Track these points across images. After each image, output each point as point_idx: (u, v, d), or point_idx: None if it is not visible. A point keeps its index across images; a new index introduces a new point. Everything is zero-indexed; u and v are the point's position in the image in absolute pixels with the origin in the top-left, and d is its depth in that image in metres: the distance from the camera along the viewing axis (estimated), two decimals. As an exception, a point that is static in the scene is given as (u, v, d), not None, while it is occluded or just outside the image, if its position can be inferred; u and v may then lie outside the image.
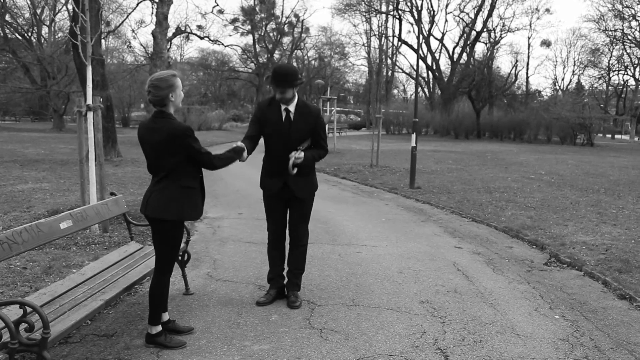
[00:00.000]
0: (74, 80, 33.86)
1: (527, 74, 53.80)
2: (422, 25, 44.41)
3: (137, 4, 50.38)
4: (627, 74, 46.42)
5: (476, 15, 44.13)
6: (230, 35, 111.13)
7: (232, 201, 9.71)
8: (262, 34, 51.91)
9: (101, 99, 6.90)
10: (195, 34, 41.54)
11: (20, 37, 37.79)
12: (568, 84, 51.48)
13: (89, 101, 6.55)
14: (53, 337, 2.92)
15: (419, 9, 44.33)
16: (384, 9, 47.09)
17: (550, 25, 58.19)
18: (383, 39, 49.81)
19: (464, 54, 45.64)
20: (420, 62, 44.31)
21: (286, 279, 4.57)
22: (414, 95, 18.14)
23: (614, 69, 46.34)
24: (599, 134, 41.18)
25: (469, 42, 44.95)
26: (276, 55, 52.29)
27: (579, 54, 59.28)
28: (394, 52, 52.71)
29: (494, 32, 44.79)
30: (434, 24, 47.10)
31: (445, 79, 46.01)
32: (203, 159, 3.55)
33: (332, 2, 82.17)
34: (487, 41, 45.24)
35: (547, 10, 55.41)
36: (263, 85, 51.85)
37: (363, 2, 46.87)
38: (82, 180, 6.86)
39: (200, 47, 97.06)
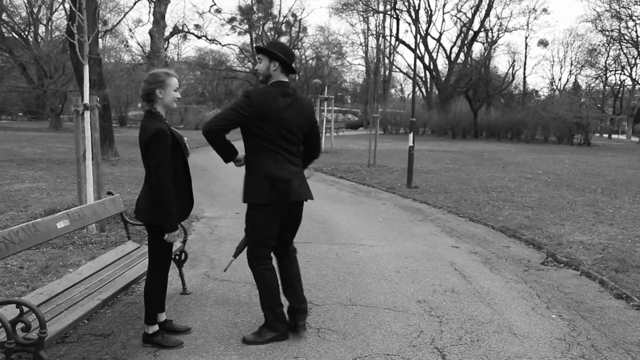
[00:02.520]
0: (71, 80, 33.86)
1: (524, 73, 54.08)
2: (420, 25, 44.47)
3: (135, 3, 50.40)
4: (624, 74, 46.60)
5: (473, 15, 44.28)
6: (227, 35, 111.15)
7: (229, 201, 9.71)
8: (260, 33, 51.88)
9: (98, 98, 6.88)
10: (193, 33, 41.37)
11: (17, 36, 37.71)
12: (565, 84, 51.64)
13: (86, 100, 6.53)
14: (50, 336, 2.92)
15: (417, 8, 44.43)
16: (381, 8, 47.22)
17: (547, 25, 58.78)
18: (380, 38, 49.93)
19: (462, 54, 45.78)
20: (418, 61, 44.21)
21: None
22: (411, 94, 18.18)
23: (610, 69, 46.49)
24: (596, 134, 41.32)
25: (466, 42, 45.05)
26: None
27: (576, 54, 59.38)
28: (392, 51, 52.83)
29: (492, 32, 44.93)
30: (432, 24, 47.37)
31: (443, 79, 46.10)
32: (155, 176, 3.31)
33: (329, 1, 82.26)
34: (485, 41, 45.37)
35: (545, 10, 56.09)
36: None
37: (360, 2, 46.96)
38: (79, 179, 6.85)
39: (198, 47, 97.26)
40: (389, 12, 47.08)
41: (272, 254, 3.79)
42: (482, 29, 44.28)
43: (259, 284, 3.73)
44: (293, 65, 3.75)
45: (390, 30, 52.28)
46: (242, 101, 3.54)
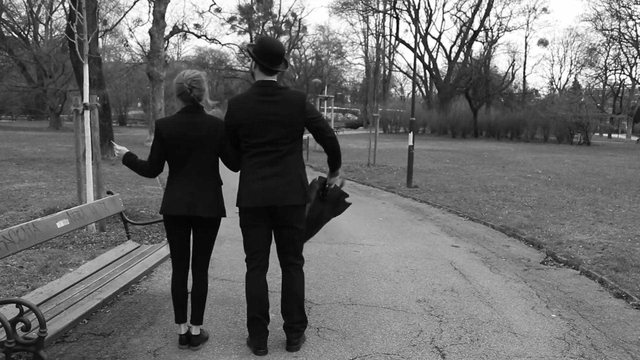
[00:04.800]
0: (70, 79, 33.86)
1: (524, 73, 53.94)
2: (420, 24, 44.45)
3: (134, 3, 50.36)
4: (624, 73, 46.56)
5: (473, 14, 44.25)
6: (227, 34, 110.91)
7: (228, 200, 9.68)
8: (260, 32, 51.80)
9: (98, 98, 6.88)
10: (193, 33, 41.28)
11: (16, 36, 37.71)
12: (565, 83, 51.58)
13: (86, 100, 6.53)
14: (50, 336, 2.92)
15: (417, 7, 44.38)
16: (381, 7, 47.19)
17: (547, 24, 58.71)
18: (380, 37, 49.92)
19: (461, 53, 45.75)
20: (418, 61, 44.20)
21: None
22: (411, 94, 18.16)
23: (610, 68, 46.45)
24: (596, 133, 41.29)
25: (466, 41, 45.02)
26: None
27: (576, 53, 59.37)
28: (391, 51, 52.83)
29: (491, 31, 44.90)
30: (432, 23, 47.36)
31: (443, 78, 46.07)
32: (231, 156, 3.58)
33: (329, 0, 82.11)
34: (485, 40, 45.35)
35: (544, 9, 55.91)
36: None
37: (360, 1, 46.94)
38: (79, 179, 6.85)
39: (198, 46, 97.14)
40: (388, 12, 47.08)
41: (259, 264, 3.60)
42: (482, 29, 44.27)
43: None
44: (284, 61, 3.54)
45: (390, 29, 52.31)
46: (226, 110, 3.55)
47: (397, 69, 56.59)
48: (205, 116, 3.51)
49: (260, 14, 51.08)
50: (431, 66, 46.60)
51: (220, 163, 3.63)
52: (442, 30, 59.42)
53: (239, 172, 3.60)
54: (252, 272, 3.58)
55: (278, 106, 3.43)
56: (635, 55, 42.78)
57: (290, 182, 3.47)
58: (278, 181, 3.45)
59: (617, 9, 40.49)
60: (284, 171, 3.47)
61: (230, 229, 7.30)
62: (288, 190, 3.46)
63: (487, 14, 43.66)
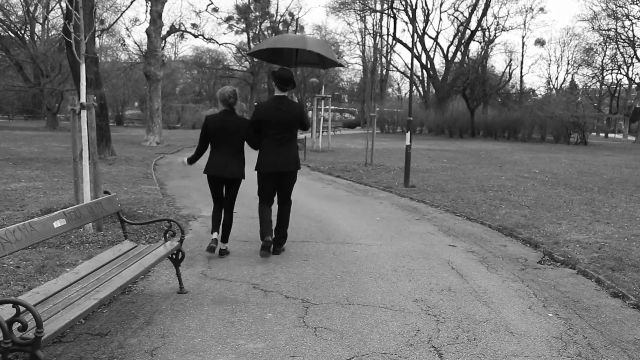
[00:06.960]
0: (67, 79, 33.72)
1: (521, 72, 53.91)
2: (417, 24, 44.46)
3: (131, 2, 50.14)
4: (621, 73, 46.61)
5: (470, 14, 44.23)
6: (224, 34, 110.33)
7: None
8: (257, 32, 51.78)
9: (95, 97, 6.86)
10: (190, 32, 41.23)
11: (13, 35, 37.52)
12: (562, 83, 51.72)
13: (83, 99, 6.52)
14: (46, 336, 2.91)
15: (414, 7, 44.37)
16: (378, 7, 47.15)
17: (544, 24, 58.88)
18: (377, 37, 49.91)
19: (459, 53, 45.71)
20: (415, 60, 44.09)
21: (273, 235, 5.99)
22: (408, 94, 18.21)
23: (607, 68, 46.52)
24: (593, 133, 41.38)
25: (463, 41, 45.02)
26: (271, 54, 52.07)
27: (572, 53, 59.34)
28: (389, 50, 52.79)
29: (489, 31, 44.91)
30: (429, 23, 47.22)
31: (440, 78, 46.05)
32: (255, 140, 5.85)
33: (326, 0, 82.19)
34: (482, 40, 45.33)
35: (541, 9, 55.50)
36: (257, 84, 51.72)
37: (358, 1, 46.89)
38: (76, 178, 6.83)
39: (195, 46, 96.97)
40: (386, 11, 47.05)
41: (268, 201, 6.00)
42: (479, 28, 44.23)
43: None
44: (292, 83, 5.83)
45: (388, 29, 52.42)
46: (253, 112, 5.89)
47: (395, 69, 56.59)
48: (236, 116, 5.75)
49: (257, 13, 51.02)
50: (428, 66, 46.57)
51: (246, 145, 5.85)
52: (439, 30, 59.06)
53: (259, 150, 5.86)
54: (262, 204, 5.98)
55: (286, 112, 5.75)
56: (632, 55, 42.87)
57: (289, 157, 5.81)
58: (281, 157, 5.78)
59: (614, 9, 40.61)
60: (286, 151, 5.80)
61: (227, 228, 7.30)
62: (287, 162, 5.81)
63: (484, 13, 43.69)
